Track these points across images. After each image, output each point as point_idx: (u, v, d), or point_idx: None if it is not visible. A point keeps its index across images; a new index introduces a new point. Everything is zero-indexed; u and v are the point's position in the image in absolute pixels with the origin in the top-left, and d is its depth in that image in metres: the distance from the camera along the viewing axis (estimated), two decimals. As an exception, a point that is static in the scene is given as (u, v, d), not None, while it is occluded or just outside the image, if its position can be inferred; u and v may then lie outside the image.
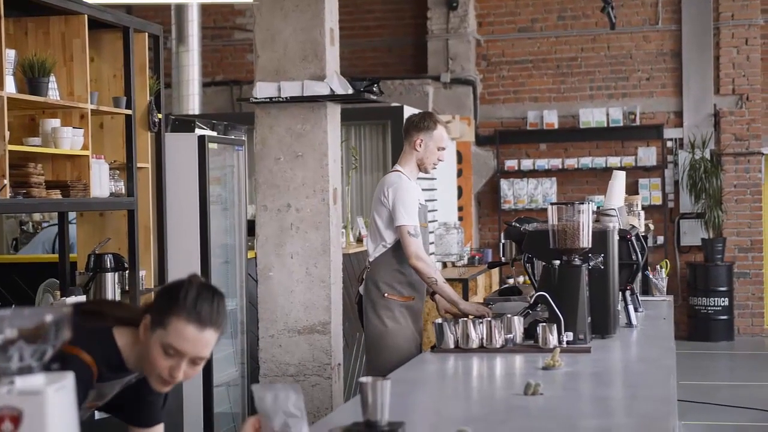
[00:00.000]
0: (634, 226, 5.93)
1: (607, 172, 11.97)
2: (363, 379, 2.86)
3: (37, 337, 1.86)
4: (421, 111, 6.21)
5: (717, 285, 12.86)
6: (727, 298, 12.86)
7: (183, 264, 6.51)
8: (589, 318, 4.63)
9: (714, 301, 12.83)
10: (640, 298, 5.97)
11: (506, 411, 3.38)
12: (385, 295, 5.46)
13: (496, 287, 10.88)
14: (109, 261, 5.73)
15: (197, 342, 2.71)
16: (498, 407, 3.47)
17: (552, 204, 4.72)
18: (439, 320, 4.60)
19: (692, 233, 13.19)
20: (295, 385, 2.57)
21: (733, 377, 11.01)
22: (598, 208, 5.63)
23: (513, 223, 5.33)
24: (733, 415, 8.76)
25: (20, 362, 1.86)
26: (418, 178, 5.63)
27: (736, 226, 13.22)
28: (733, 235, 13.20)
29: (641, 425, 3.15)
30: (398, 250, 5.40)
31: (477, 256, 11.29)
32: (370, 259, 5.55)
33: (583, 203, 4.67)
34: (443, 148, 5.55)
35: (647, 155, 13.24)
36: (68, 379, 1.87)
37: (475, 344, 4.49)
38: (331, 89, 5.80)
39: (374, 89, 6.05)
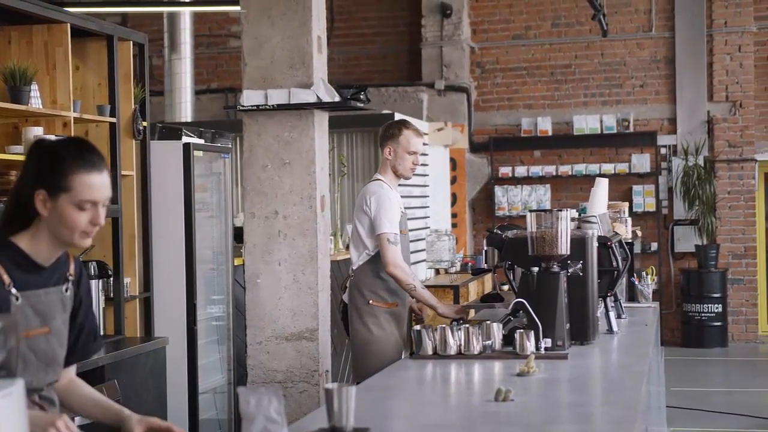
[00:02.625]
0: (617, 233, 5.93)
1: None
2: (328, 385, 2.89)
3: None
4: (392, 120, 6.24)
5: (711, 291, 12.86)
6: (720, 305, 12.87)
7: (168, 271, 6.53)
8: (568, 324, 4.63)
9: (708, 307, 12.83)
10: (624, 305, 5.97)
11: (475, 417, 3.39)
12: (370, 302, 5.50)
13: (489, 294, 10.88)
14: (93, 268, 5.74)
15: (103, 186, 2.90)
16: (467, 414, 3.48)
17: (531, 211, 4.72)
18: (418, 327, 4.61)
19: (686, 240, 13.19)
20: (278, 390, 2.58)
21: (727, 384, 11.01)
22: (579, 215, 5.63)
23: (495, 230, 5.34)
24: (725, 422, 8.76)
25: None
26: (400, 185, 5.66)
27: (729, 232, 13.23)
28: (727, 241, 13.20)
29: (607, 431, 3.16)
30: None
31: (470, 263, 11.31)
32: (354, 267, 5.58)
33: (561, 210, 4.68)
34: (414, 153, 5.58)
35: (641, 162, 13.24)
36: (16, 386, 1.88)
37: (453, 351, 4.50)
38: (317, 97, 5.81)
39: (361, 97, 6.06)
